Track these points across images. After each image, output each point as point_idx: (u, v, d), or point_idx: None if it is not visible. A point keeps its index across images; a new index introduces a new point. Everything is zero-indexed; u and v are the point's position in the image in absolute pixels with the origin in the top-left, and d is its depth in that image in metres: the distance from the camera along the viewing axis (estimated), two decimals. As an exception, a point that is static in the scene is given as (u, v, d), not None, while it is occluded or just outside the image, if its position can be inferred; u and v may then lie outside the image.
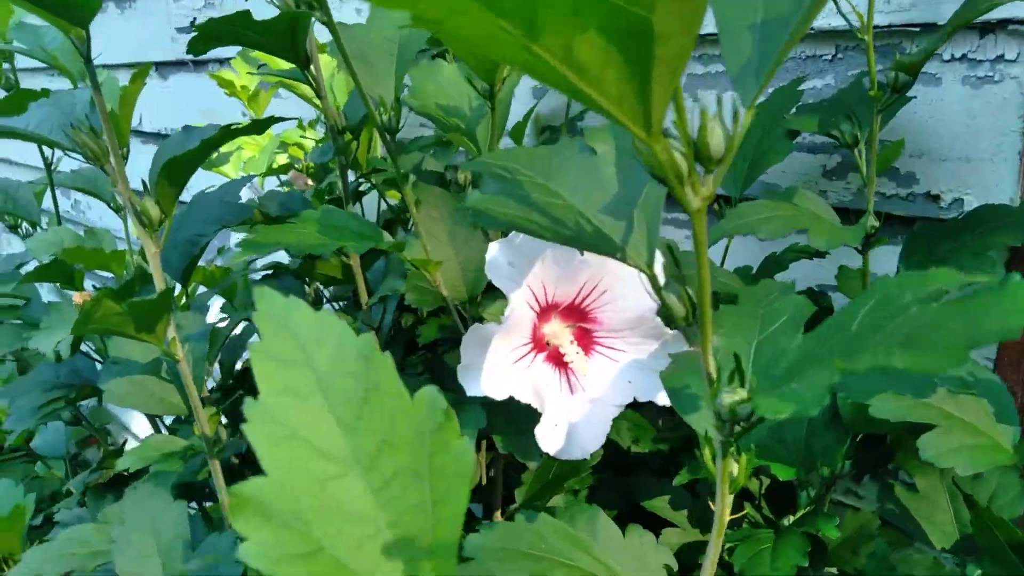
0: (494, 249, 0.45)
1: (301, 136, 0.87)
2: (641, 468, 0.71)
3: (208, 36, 0.47)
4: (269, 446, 0.21)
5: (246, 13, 0.47)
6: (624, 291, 0.46)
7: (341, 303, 0.91)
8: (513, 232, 0.45)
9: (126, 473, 0.83)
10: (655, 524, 0.61)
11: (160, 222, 0.45)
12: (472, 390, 0.43)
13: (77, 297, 0.55)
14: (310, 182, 0.87)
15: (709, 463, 0.32)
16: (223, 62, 1.48)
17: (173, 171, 0.43)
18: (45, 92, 0.47)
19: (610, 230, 0.30)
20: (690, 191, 0.24)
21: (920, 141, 0.67)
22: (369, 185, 0.84)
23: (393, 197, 0.91)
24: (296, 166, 0.90)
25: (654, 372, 0.46)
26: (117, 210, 0.76)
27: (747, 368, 0.28)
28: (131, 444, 1.27)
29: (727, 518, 0.33)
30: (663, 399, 0.45)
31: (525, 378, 0.45)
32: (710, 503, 0.32)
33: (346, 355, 0.23)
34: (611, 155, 0.32)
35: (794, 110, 0.65)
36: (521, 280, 0.45)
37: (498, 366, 0.44)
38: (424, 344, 0.72)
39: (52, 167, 0.74)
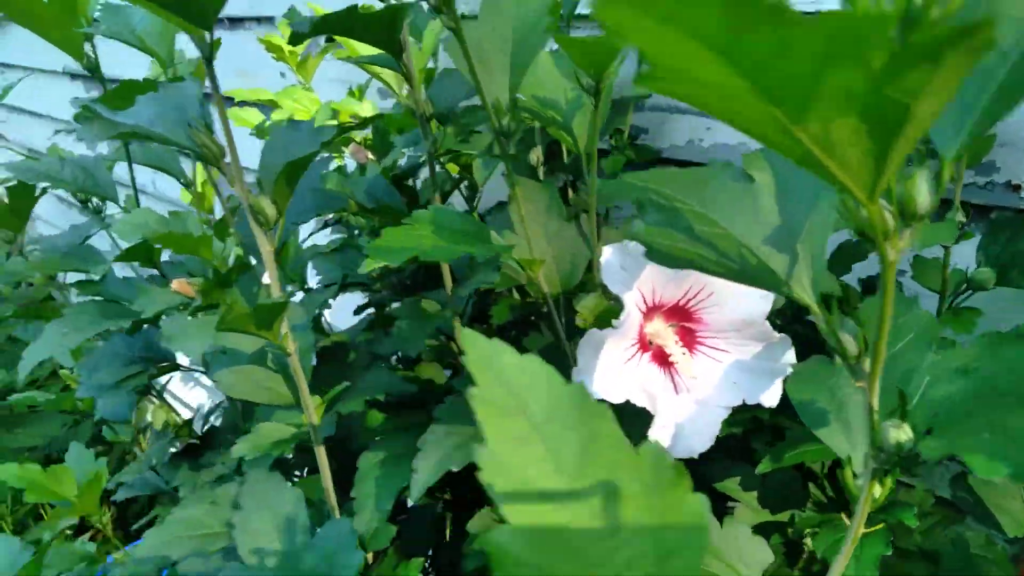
0: (608, 253, 0.45)
1: (373, 109, 0.86)
2: (711, 449, 0.72)
3: (317, 30, 0.47)
4: (507, 497, 0.22)
5: (353, 9, 0.47)
6: (732, 294, 0.47)
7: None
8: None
9: (197, 443, 0.85)
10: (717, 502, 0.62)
11: (275, 221, 0.46)
12: (586, 392, 0.44)
13: (176, 284, 0.56)
14: (371, 156, 0.87)
15: (851, 483, 0.33)
16: (261, 20, 1.46)
17: (293, 171, 0.44)
18: (152, 85, 0.47)
19: (774, 263, 0.30)
20: (889, 246, 0.25)
21: (1003, 129, 0.66)
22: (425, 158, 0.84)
23: (452, 170, 0.91)
24: (356, 139, 0.89)
25: (759, 374, 0.47)
26: (187, 185, 0.76)
27: (909, 401, 0.28)
28: (185, 413, 1.29)
29: (861, 533, 0.34)
30: (768, 401, 0.46)
31: (635, 378, 0.46)
32: (848, 515, 0.33)
33: (560, 404, 0.24)
34: (771, 184, 0.32)
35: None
36: (632, 283, 0.45)
37: (611, 368, 0.45)
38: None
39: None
